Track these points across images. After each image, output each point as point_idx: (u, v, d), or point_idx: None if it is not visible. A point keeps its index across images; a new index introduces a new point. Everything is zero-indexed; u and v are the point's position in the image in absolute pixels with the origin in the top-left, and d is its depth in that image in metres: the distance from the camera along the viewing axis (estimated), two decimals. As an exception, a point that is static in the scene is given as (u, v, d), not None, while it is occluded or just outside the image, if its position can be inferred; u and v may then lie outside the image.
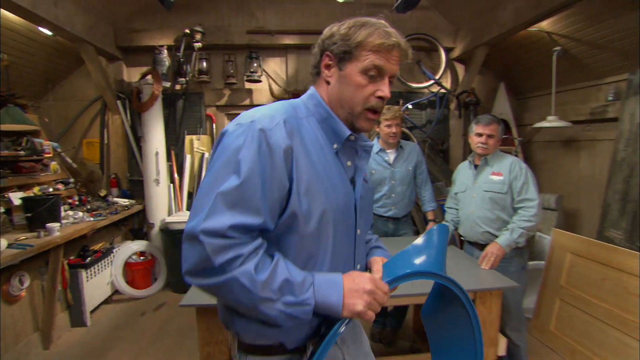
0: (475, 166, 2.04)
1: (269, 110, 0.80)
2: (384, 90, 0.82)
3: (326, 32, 0.87)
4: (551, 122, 3.25)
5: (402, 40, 0.83)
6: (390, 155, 2.45)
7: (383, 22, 0.84)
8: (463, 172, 2.16)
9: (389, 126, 2.35)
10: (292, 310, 0.71)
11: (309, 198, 0.76)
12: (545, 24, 3.11)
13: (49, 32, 2.98)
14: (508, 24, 3.10)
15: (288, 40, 3.92)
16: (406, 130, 4.09)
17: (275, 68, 4.09)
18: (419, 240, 0.90)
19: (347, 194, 0.85)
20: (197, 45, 3.65)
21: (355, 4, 3.84)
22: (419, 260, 0.82)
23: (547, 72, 3.36)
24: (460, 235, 2.19)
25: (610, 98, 3.01)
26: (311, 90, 0.91)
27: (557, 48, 3.18)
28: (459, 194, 2.14)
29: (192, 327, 2.76)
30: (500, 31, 3.22)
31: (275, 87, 4.05)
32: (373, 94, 0.82)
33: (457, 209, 2.19)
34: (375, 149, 2.45)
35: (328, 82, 0.86)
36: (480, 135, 1.93)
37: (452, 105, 4.24)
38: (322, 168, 0.80)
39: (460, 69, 4.22)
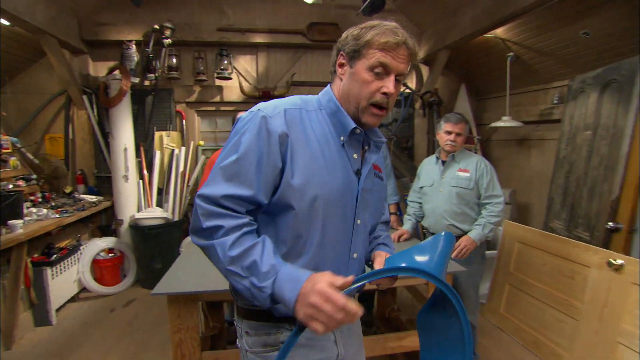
0: (443, 162, 2.15)
1: (279, 101, 0.89)
2: (389, 86, 0.85)
3: (343, 35, 0.93)
4: (505, 122, 3.50)
5: (410, 39, 0.86)
6: None
7: (394, 24, 0.88)
8: (429, 167, 2.25)
9: None
10: (254, 291, 0.75)
11: (302, 180, 0.83)
12: (500, 31, 3.35)
13: (6, 22, 2.88)
14: (467, 29, 3.31)
15: (258, 38, 3.98)
16: (374, 128, 4.26)
17: (245, 66, 4.13)
18: (424, 243, 0.91)
19: (347, 183, 0.90)
20: (167, 41, 3.64)
21: (323, 6, 3.95)
22: (419, 259, 0.84)
23: (502, 75, 3.61)
24: (424, 228, 2.32)
25: (555, 101, 3.29)
26: (327, 87, 0.98)
27: (511, 54, 3.43)
28: (425, 187, 2.22)
29: (163, 321, 2.79)
30: (460, 36, 3.43)
31: (245, 85, 4.10)
32: (378, 90, 0.85)
33: (419, 203, 2.29)
34: None
35: (341, 80, 0.92)
36: (449, 133, 2.05)
37: (417, 105, 4.44)
38: (323, 156, 0.86)
39: (424, 70, 4.43)
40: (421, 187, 2.25)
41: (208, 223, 0.78)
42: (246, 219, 0.81)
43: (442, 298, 0.83)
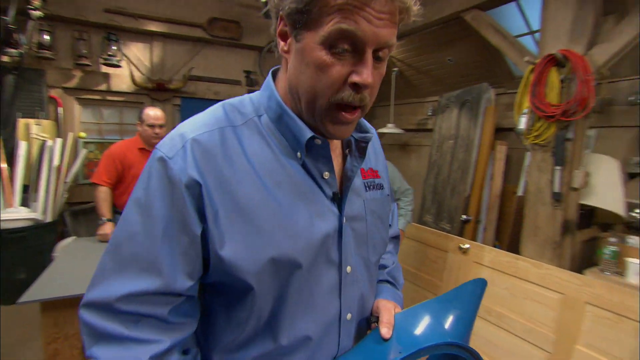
0: None
1: (187, 125, 0.58)
2: (361, 72, 0.51)
3: None
4: (390, 129, 3.97)
5: None
6: None
7: None
8: None
9: None
10: None
11: (237, 247, 0.54)
12: (386, 48, 3.79)
13: None
14: (359, 43, 3.66)
15: (154, 27, 3.73)
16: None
17: (138, 54, 3.83)
18: (447, 295, 0.68)
19: (321, 221, 0.60)
20: (36, 13, 3.15)
21: (226, 1, 3.92)
22: (448, 325, 0.62)
23: (388, 87, 4.08)
24: None
25: (429, 113, 3.87)
26: (269, 76, 0.64)
27: (395, 69, 3.90)
28: None
29: (29, 338, 2.43)
30: (353, 49, 3.77)
31: (137, 75, 3.80)
32: (345, 80, 0.52)
33: None
34: None
35: (287, 61, 0.58)
36: None
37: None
38: (269, 195, 0.56)
39: (323, 76, 4.71)
40: None
41: (100, 354, 0.51)
42: (167, 344, 0.54)
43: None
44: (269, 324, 0.59)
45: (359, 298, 0.67)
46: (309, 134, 0.57)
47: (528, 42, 2.88)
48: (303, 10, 0.50)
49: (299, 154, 0.59)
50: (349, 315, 0.65)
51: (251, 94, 0.65)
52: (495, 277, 2.25)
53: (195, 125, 0.57)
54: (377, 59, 0.53)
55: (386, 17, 0.49)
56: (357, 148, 0.65)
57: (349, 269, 0.64)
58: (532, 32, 2.87)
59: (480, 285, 0.68)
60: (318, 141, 0.58)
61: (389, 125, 4.03)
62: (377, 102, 4.83)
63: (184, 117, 4.01)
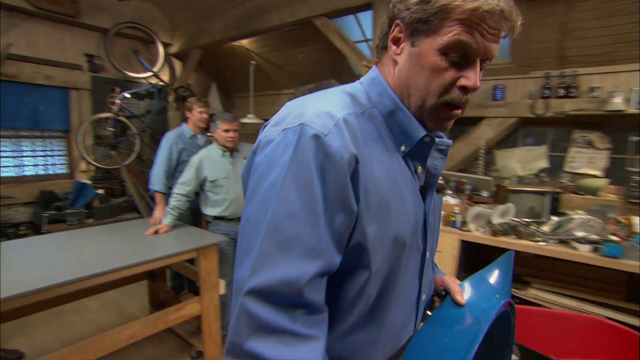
0: (231, 155, 2.37)
1: (323, 104, 0.58)
2: (471, 78, 0.57)
3: None
4: (250, 119, 4.19)
5: (508, 4, 0.55)
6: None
7: None
8: (213, 161, 2.33)
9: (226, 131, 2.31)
10: None
11: (377, 224, 0.57)
12: (245, 42, 3.97)
13: None
14: (217, 35, 3.73)
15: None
16: (124, 120, 4.04)
17: None
18: (491, 266, 0.79)
19: (417, 210, 0.65)
20: None
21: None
22: (492, 284, 0.74)
23: (247, 79, 4.28)
24: (216, 217, 2.37)
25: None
26: (373, 71, 0.67)
27: (253, 62, 4.12)
28: (219, 180, 2.31)
29: None
30: (211, 39, 3.81)
31: None
32: (455, 83, 0.57)
33: (187, 197, 2.29)
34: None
35: (396, 62, 0.62)
36: (227, 131, 2.30)
37: (171, 98, 4.53)
38: (389, 180, 0.60)
39: (178, 65, 4.55)
40: (213, 181, 2.31)
41: (264, 350, 0.50)
42: (324, 340, 0.54)
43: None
44: (375, 307, 0.61)
45: (430, 281, 0.74)
46: (423, 132, 0.62)
47: (364, 48, 3.53)
48: (425, 19, 0.56)
49: (403, 147, 0.63)
50: (423, 296, 0.71)
51: (354, 85, 0.67)
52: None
53: (335, 106, 0.58)
54: (481, 67, 0.59)
55: (496, 33, 0.56)
56: (437, 150, 0.69)
57: (428, 254, 0.70)
58: (367, 40, 3.53)
59: (510, 256, 0.79)
60: (427, 138, 0.63)
61: (249, 115, 4.24)
62: (236, 93, 4.98)
63: (5, 105, 3.29)
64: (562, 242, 2.15)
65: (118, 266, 1.64)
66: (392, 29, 0.61)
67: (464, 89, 0.58)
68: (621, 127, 2.58)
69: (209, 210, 2.39)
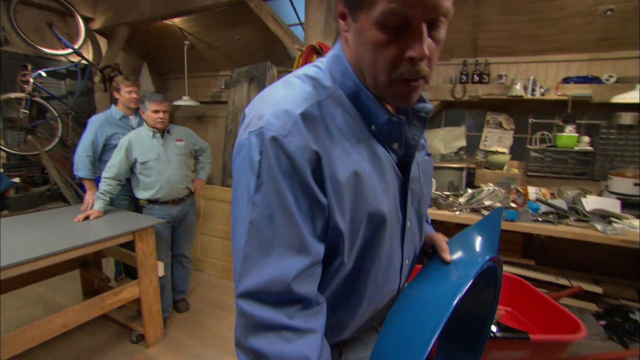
0: (161, 136, 2.31)
1: (282, 99, 0.57)
2: (416, 47, 0.52)
3: None
4: (185, 101, 4.06)
5: None
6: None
7: None
8: (143, 143, 2.26)
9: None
10: None
11: (349, 209, 0.58)
12: (178, 21, 3.80)
13: None
14: (146, 13, 3.52)
15: None
16: (41, 101, 3.68)
17: None
18: (479, 224, 0.80)
19: (394, 185, 0.65)
20: None
21: None
22: (478, 242, 0.75)
23: (180, 60, 4.11)
24: (150, 200, 2.31)
25: (222, 86, 4.19)
26: (336, 48, 0.64)
27: (187, 42, 3.97)
28: (149, 162, 2.25)
29: None
30: (140, 17, 3.59)
31: None
32: (402, 56, 0.53)
33: (117, 180, 2.21)
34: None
35: (347, 41, 0.61)
36: (157, 111, 2.23)
37: (97, 79, 4.20)
38: (360, 163, 0.59)
39: (103, 43, 4.22)
40: (143, 163, 2.25)
41: (263, 347, 0.53)
42: (321, 332, 0.57)
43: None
44: (353, 281, 0.64)
45: (414, 246, 0.75)
46: (385, 116, 0.60)
47: (299, 31, 3.58)
48: None
49: (373, 127, 0.62)
50: (407, 261, 0.72)
51: (318, 64, 0.65)
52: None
53: (294, 100, 0.56)
54: (433, 28, 0.53)
55: None
56: (416, 117, 0.67)
57: (408, 223, 0.70)
58: (301, 24, 3.57)
59: (498, 212, 0.81)
60: (395, 119, 0.61)
61: (184, 97, 4.11)
62: (170, 74, 4.76)
63: None
64: (474, 210, 2.47)
65: (44, 253, 1.58)
66: (337, 6, 0.59)
67: (412, 61, 0.53)
68: (522, 110, 2.97)
69: (142, 194, 2.34)
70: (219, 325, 2.47)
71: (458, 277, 0.65)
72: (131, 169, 2.29)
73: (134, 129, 2.52)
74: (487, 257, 0.67)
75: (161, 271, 2.18)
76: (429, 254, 0.78)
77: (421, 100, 0.67)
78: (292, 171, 0.53)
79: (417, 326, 0.60)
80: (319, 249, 0.56)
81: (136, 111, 2.63)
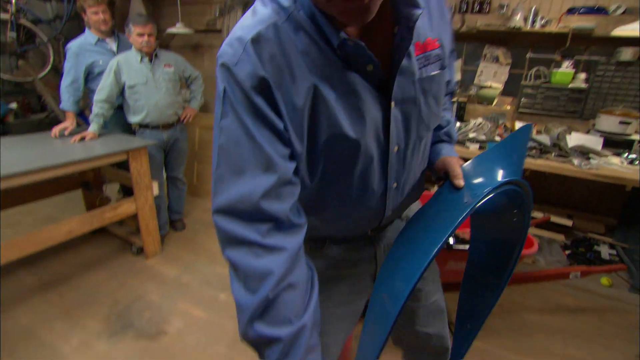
0: (150, 61, 2.29)
1: (240, 26, 0.56)
2: None
3: None
4: (179, 28, 3.93)
5: None
6: None
7: None
8: (132, 67, 2.25)
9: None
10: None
11: (309, 136, 0.59)
12: None
13: None
14: None
15: None
16: (29, 24, 3.58)
17: None
18: (504, 142, 0.75)
19: (371, 108, 0.61)
20: None
21: None
22: (507, 168, 0.68)
23: (171, -18, 3.90)
24: (142, 124, 2.38)
25: (217, 14, 4.02)
26: None
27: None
28: (137, 86, 2.26)
29: None
30: None
31: None
32: None
33: (109, 102, 2.24)
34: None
35: None
36: (141, 35, 2.18)
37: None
38: (322, 89, 0.56)
39: (87, -41, 3.97)
40: (132, 86, 2.27)
41: (234, 257, 0.57)
42: (290, 251, 0.58)
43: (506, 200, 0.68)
44: (319, 200, 0.68)
45: (409, 170, 0.71)
46: (336, 40, 0.54)
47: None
48: None
49: (338, 51, 0.56)
50: (394, 184, 0.71)
51: None
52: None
53: (249, 25, 0.55)
54: None
55: None
56: (406, 28, 0.58)
57: (395, 148, 0.66)
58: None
59: (527, 129, 0.75)
60: (351, 43, 0.55)
61: (178, 24, 3.97)
62: (164, 1, 4.54)
63: None
64: (459, 142, 2.53)
65: (44, 165, 1.68)
66: None
67: None
68: (522, 44, 2.89)
69: (132, 118, 2.40)
70: (212, 242, 2.69)
71: (460, 206, 0.62)
72: (121, 93, 2.31)
73: (115, 53, 2.43)
74: (504, 180, 0.63)
75: (156, 190, 2.32)
76: (441, 180, 0.76)
77: (410, 4, 0.57)
78: (246, 99, 0.54)
79: (409, 257, 0.62)
80: (285, 167, 0.57)
81: (113, 33, 2.49)
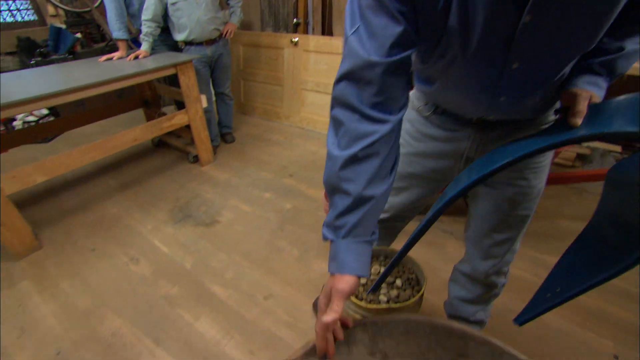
0: None
1: None
2: None
3: None
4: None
5: None
6: None
7: None
8: None
9: None
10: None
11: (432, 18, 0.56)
12: None
13: None
14: None
15: None
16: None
17: None
18: None
19: (502, 18, 0.52)
20: None
21: None
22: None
23: None
24: (186, 42, 2.50)
25: None
26: None
27: None
28: (178, 3, 2.35)
29: None
30: None
31: None
32: None
33: (155, 21, 2.35)
34: None
35: None
36: None
37: None
38: None
39: None
40: (174, 4, 2.35)
41: (340, 115, 0.61)
42: (391, 124, 0.61)
43: None
44: (430, 68, 0.69)
45: (532, 52, 0.57)
46: None
47: None
48: None
49: None
50: (515, 65, 0.59)
51: None
52: (319, 58, 2.97)
53: None
54: None
55: None
56: None
57: (528, 18, 0.51)
58: None
59: None
60: None
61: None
62: None
63: None
64: None
65: (109, 77, 1.91)
66: None
67: None
68: None
69: (177, 36, 2.51)
70: (260, 152, 2.92)
71: (555, 137, 0.53)
72: (165, 11, 2.40)
73: None
74: (620, 129, 0.49)
75: (204, 102, 2.51)
76: (561, 114, 0.62)
77: None
78: None
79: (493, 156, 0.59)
80: (411, 35, 0.55)
81: None
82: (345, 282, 0.60)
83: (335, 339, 0.62)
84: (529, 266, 1.67)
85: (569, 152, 2.51)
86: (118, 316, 1.50)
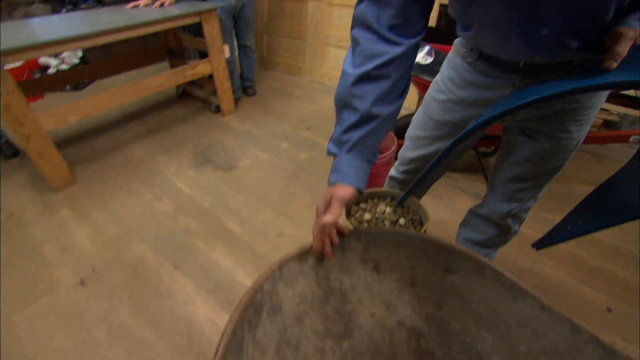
0: None
1: None
2: None
3: None
4: None
5: None
6: None
7: None
8: None
9: None
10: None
11: None
12: None
13: None
14: None
15: None
16: None
17: None
18: None
19: None
20: None
21: None
22: None
23: None
24: None
25: None
26: None
27: None
28: None
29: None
30: None
31: None
32: None
33: None
34: None
35: None
36: None
37: None
38: None
39: None
40: None
41: (358, 35, 0.64)
42: (404, 47, 0.63)
43: None
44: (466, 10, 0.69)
45: (562, 15, 0.56)
46: None
47: None
48: None
49: None
50: (544, 31, 0.59)
51: None
52: (343, 12, 2.91)
53: None
54: None
55: None
56: None
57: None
58: None
59: None
60: None
61: None
62: None
63: None
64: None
65: (135, 22, 1.97)
66: None
67: None
68: None
69: None
70: (281, 105, 2.96)
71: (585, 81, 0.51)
72: None
73: None
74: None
75: (227, 52, 2.54)
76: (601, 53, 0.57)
77: None
78: None
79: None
80: None
81: None
82: (346, 190, 0.64)
83: (331, 243, 0.66)
84: (538, 225, 1.68)
85: (597, 118, 2.41)
86: (143, 243, 1.66)
